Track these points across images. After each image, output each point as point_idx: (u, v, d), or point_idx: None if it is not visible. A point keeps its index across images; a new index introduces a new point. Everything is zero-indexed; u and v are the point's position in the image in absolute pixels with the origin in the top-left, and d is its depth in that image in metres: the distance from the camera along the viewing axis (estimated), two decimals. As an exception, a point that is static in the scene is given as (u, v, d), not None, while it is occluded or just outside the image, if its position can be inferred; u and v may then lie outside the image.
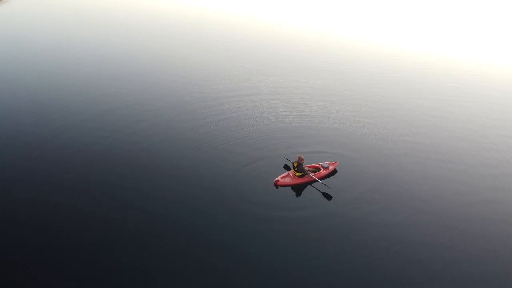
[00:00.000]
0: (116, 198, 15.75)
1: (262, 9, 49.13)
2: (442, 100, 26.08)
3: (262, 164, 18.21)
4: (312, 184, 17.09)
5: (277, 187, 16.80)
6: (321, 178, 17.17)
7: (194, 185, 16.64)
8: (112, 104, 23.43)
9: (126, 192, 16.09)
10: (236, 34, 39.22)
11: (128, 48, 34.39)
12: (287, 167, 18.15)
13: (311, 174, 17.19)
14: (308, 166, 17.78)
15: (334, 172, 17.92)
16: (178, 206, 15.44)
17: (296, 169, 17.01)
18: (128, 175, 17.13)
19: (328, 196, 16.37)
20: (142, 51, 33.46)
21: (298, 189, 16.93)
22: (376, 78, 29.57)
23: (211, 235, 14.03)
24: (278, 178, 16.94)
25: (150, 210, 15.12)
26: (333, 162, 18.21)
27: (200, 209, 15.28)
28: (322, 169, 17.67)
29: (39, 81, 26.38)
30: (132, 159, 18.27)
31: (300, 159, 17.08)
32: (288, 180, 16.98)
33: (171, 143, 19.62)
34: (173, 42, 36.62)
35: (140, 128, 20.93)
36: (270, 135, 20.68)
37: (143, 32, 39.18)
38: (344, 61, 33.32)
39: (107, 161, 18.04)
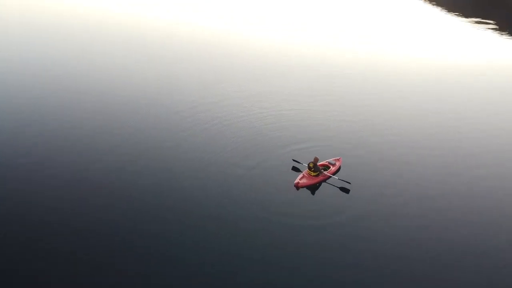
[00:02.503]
0: (127, 205, 16.22)
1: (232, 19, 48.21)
2: (432, 97, 27.94)
3: (271, 168, 18.80)
4: (327, 181, 18.20)
5: (298, 189, 17.58)
6: (333, 174, 18.37)
7: (214, 194, 16.95)
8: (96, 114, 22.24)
9: (137, 199, 16.51)
10: (220, 42, 38.15)
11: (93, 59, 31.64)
12: (295, 169, 18.94)
13: (325, 172, 18.26)
14: (318, 165, 18.78)
15: (339, 167, 19.19)
16: (206, 215, 15.84)
17: (312, 169, 17.92)
18: (133, 186, 17.27)
19: (345, 190, 17.62)
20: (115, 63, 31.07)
21: (317, 188, 17.92)
22: (363, 76, 30.94)
23: (245, 244, 14.60)
24: (298, 180, 17.70)
25: (163, 221, 15.45)
26: (337, 158, 19.49)
27: (228, 218, 15.72)
28: (331, 166, 18.84)
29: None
30: (132, 172, 18.11)
31: (316, 159, 18.05)
32: (306, 181, 17.82)
33: (165, 153, 19.61)
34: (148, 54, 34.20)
35: (135, 140, 20.59)
36: (264, 138, 21.24)
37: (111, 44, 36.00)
38: (324, 62, 34.15)
39: (110, 169, 18.08)
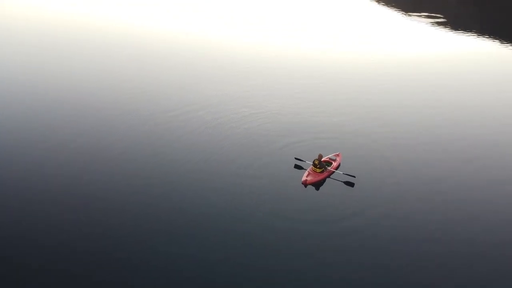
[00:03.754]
0: (133, 207, 16.25)
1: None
2: (421, 89, 29.47)
3: (273, 168, 19.02)
4: (331, 176, 18.76)
5: (306, 186, 18.00)
6: (336, 169, 18.98)
7: (221, 198, 16.93)
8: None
9: (141, 200, 16.57)
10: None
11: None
12: (298, 167, 19.34)
13: (329, 168, 18.82)
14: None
15: (340, 163, 19.81)
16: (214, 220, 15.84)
17: (318, 166, 18.40)
18: (135, 191, 17.23)
19: (350, 184, 18.25)
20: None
21: (322, 184, 18.41)
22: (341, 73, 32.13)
23: (262, 244, 14.71)
24: (305, 178, 18.09)
25: (169, 225, 15.38)
26: (337, 153, 20.11)
27: (242, 218, 15.86)
28: (333, 162, 19.42)
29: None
30: (137, 176, 18.02)
31: (320, 156, 18.56)
32: (312, 178, 18.25)
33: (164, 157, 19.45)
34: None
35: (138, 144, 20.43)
36: (259, 138, 21.49)
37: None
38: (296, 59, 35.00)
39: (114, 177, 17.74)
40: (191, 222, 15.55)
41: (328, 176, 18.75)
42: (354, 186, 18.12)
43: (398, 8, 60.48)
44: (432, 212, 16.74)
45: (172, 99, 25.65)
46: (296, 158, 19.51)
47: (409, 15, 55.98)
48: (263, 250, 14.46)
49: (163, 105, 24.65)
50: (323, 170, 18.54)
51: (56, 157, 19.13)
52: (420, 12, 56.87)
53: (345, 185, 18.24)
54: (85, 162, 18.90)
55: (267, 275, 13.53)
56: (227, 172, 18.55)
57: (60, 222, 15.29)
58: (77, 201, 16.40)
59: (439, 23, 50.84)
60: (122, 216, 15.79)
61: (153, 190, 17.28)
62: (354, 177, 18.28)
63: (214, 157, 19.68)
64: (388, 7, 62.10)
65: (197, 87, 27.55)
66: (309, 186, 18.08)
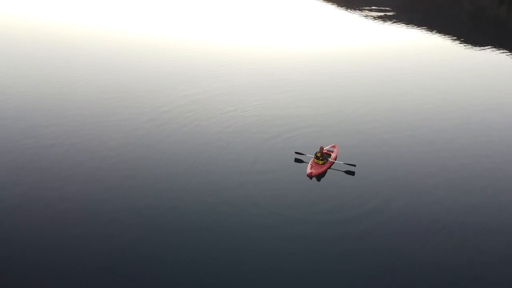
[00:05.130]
0: (132, 208, 16.19)
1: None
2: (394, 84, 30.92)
3: (274, 164, 19.47)
4: (332, 167, 19.54)
5: (311, 178, 18.65)
6: (335, 160, 19.82)
7: (229, 198, 17.02)
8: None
9: (140, 201, 16.61)
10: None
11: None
12: (299, 160, 19.95)
13: (329, 159, 19.61)
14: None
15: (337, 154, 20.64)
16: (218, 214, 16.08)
17: (320, 158, 19.13)
18: (134, 191, 17.24)
19: (351, 173, 19.09)
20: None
21: (324, 175, 19.08)
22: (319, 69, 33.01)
23: (276, 238, 14.98)
24: (310, 170, 18.72)
25: (169, 226, 15.40)
26: (333, 145, 20.93)
27: (254, 212, 16.18)
28: (331, 154, 20.22)
29: None
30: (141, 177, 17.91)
31: (321, 148, 19.29)
32: (316, 170, 18.92)
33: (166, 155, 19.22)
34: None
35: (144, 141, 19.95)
36: (251, 136, 21.95)
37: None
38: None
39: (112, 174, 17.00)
40: (191, 224, 15.49)
41: (330, 167, 19.55)
42: (355, 174, 19.05)
43: (349, 4, 63.00)
44: (435, 197, 17.63)
45: (165, 99, 25.76)
46: (296, 152, 20.10)
47: (361, 9, 58.56)
48: (279, 249, 14.54)
49: (156, 106, 24.65)
50: (325, 161, 19.29)
51: (44, 162, 18.87)
52: (370, 6, 59.66)
53: (346, 174, 19.09)
54: (80, 165, 18.73)
55: (281, 275, 13.58)
56: (228, 172, 18.66)
57: (52, 230, 14.95)
58: (73, 203, 16.22)
59: (389, 17, 53.70)
60: (120, 217, 15.65)
61: (152, 191, 17.26)
62: (355, 165, 19.18)
63: (213, 157, 19.76)
64: (347, 4, 64.44)
65: (191, 88, 27.73)
66: (313, 178, 18.73)
